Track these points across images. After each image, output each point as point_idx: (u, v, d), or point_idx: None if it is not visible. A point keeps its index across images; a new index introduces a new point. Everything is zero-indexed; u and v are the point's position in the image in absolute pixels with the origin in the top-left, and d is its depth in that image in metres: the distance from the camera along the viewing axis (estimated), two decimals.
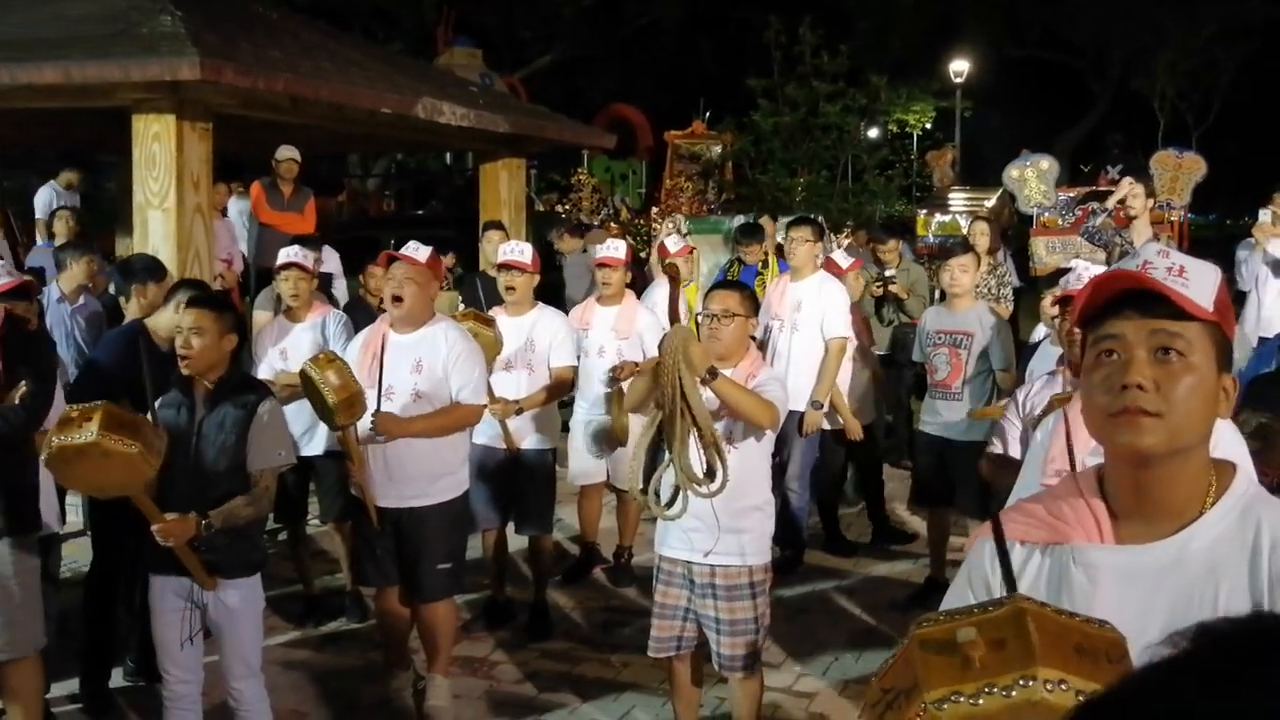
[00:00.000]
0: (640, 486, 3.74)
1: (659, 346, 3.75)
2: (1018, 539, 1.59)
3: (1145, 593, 1.44)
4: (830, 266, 6.77)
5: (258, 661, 3.92)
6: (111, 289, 6.42)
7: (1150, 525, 1.49)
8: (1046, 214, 10.99)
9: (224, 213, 8.85)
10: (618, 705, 4.77)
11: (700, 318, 4.07)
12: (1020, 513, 1.62)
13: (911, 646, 1.25)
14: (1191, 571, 1.45)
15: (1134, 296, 1.46)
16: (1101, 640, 1.22)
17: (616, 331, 6.06)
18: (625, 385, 5.87)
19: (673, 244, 7.36)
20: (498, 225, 7.59)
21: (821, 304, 6.16)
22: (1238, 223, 25.24)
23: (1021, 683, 1.16)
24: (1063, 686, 1.16)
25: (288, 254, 5.64)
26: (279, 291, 5.72)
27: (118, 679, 4.92)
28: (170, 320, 4.65)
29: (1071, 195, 12.48)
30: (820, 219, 9.29)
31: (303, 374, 4.23)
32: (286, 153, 9.22)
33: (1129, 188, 8.26)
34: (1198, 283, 1.46)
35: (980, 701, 1.16)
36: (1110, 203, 8.65)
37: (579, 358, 5.80)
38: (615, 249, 6.20)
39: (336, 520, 5.75)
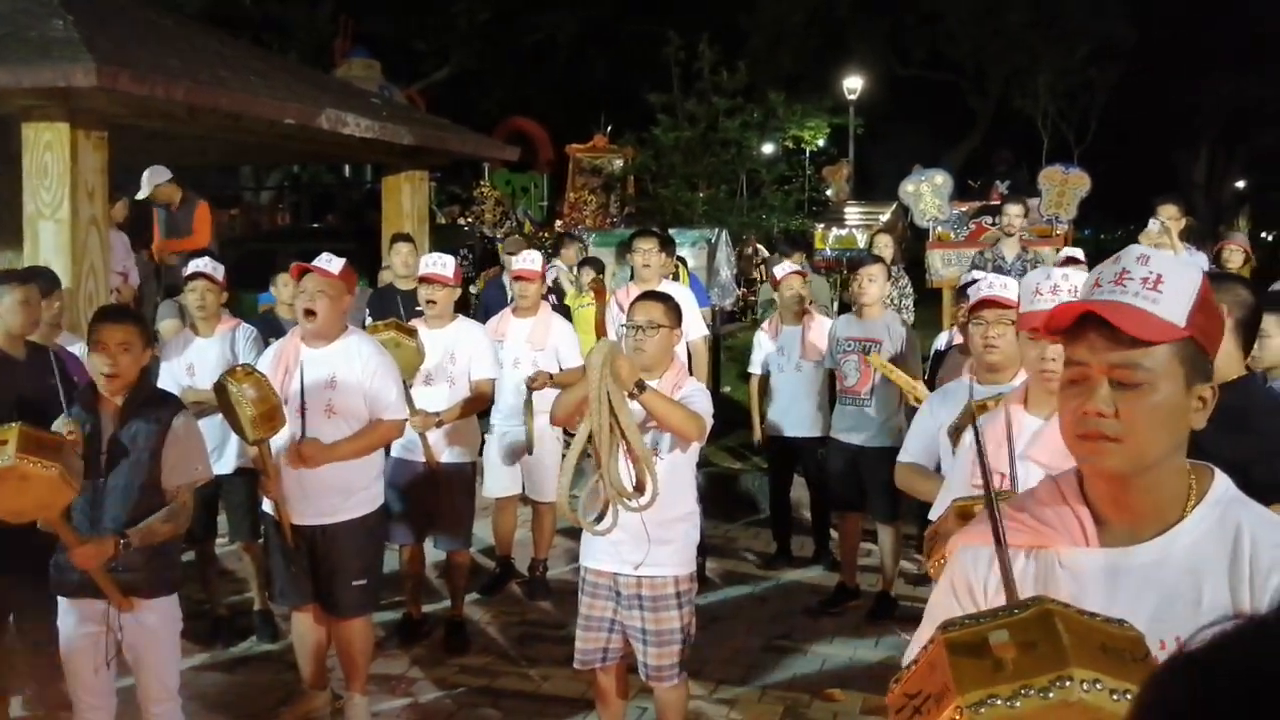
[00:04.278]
0: (571, 492, 3.74)
1: (586, 360, 3.75)
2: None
3: (1130, 594, 1.48)
4: (773, 282, 6.89)
5: (176, 683, 3.80)
6: None
7: (1133, 528, 1.53)
8: (941, 228, 11.30)
9: (120, 225, 8.52)
10: (539, 718, 4.74)
11: (624, 329, 4.08)
12: (1003, 518, 1.63)
13: (938, 650, 1.25)
14: (1174, 572, 1.49)
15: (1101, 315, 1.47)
16: (1124, 639, 1.24)
17: (531, 343, 6.05)
18: (540, 395, 5.89)
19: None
20: (406, 238, 7.49)
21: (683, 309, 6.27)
22: (1112, 237, 26.31)
23: (1058, 683, 1.17)
24: (1097, 686, 1.17)
25: (195, 264, 5.48)
26: (185, 303, 5.55)
27: (15, 709, 4.70)
28: (12, 323, 4.46)
29: (964, 210, 12.87)
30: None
31: (219, 387, 4.11)
32: (158, 179, 8.78)
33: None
34: (1173, 294, 1.48)
35: (1018, 704, 1.17)
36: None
37: None
38: (531, 261, 6.19)
39: (246, 540, 5.60)
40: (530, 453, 5.99)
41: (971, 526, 1.69)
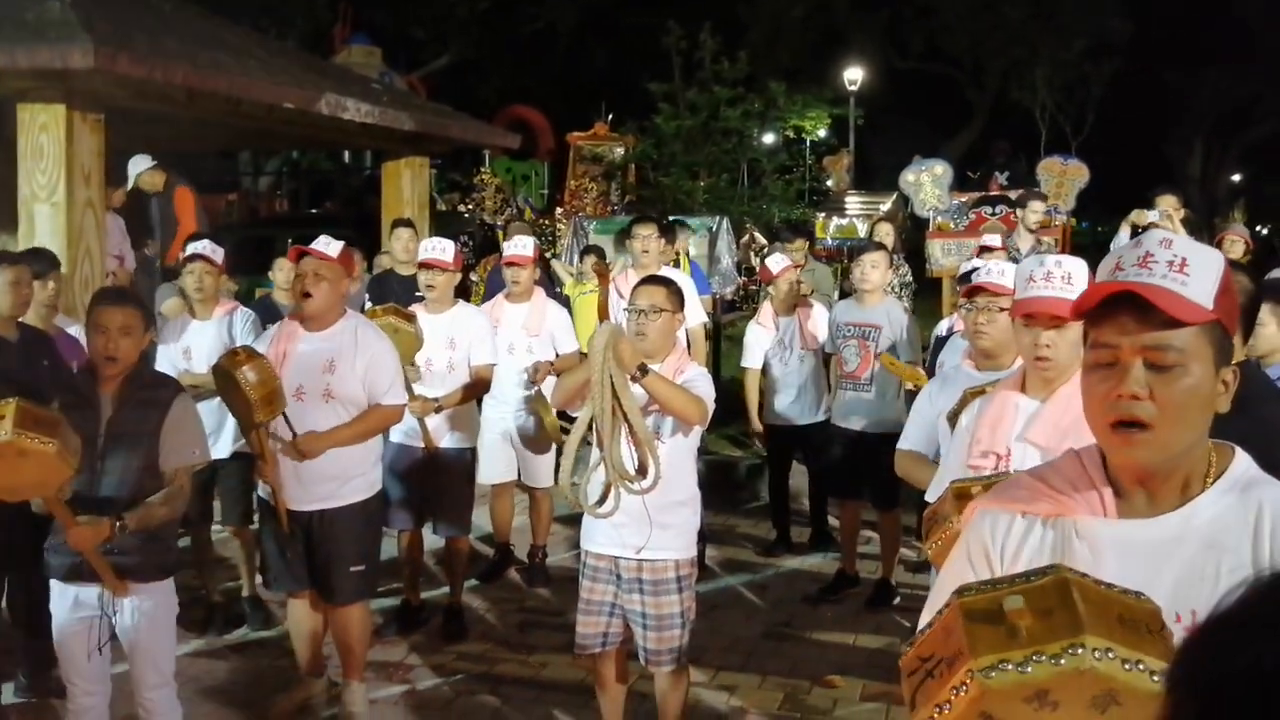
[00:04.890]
0: (572, 480, 3.72)
1: (589, 343, 3.72)
2: (1020, 510, 1.60)
3: (1148, 566, 1.47)
4: (764, 275, 6.78)
5: (171, 669, 3.77)
6: None
7: (1153, 503, 1.53)
8: (941, 217, 11.29)
9: (118, 210, 8.48)
10: (538, 705, 4.72)
11: (627, 313, 4.05)
12: (1021, 485, 1.63)
13: (953, 615, 1.24)
14: (1193, 546, 1.48)
15: (1132, 296, 1.46)
16: (1141, 611, 1.24)
17: (526, 329, 6.01)
18: (543, 386, 5.87)
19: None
20: (407, 223, 7.45)
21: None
22: (1109, 229, 26.29)
23: (1070, 650, 1.17)
24: (1110, 655, 1.16)
25: (194, 246, 5.45)
26: (183, 285, 5.52)
27: (8, 695, 4.68)
28: (1, 304, 4.42)
29: (963, 200, 12.86)
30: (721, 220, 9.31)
31: (218, 369, 4.07)
32: (139, 167, 8.82)
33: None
34: (1199, 276, 1.46)
35: (1029, 669, 1.17)
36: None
37: None
38: (523, 246, 6.14)
39: (236, 525, 5.57)
40: (560, 444, 5.93)
41: (991, 492, 1.68)
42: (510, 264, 6.09)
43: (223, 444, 5.35)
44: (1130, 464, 1.51)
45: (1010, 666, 1.17)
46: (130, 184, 8.82)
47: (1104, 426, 1.49)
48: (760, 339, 6.63)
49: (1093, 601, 1.22)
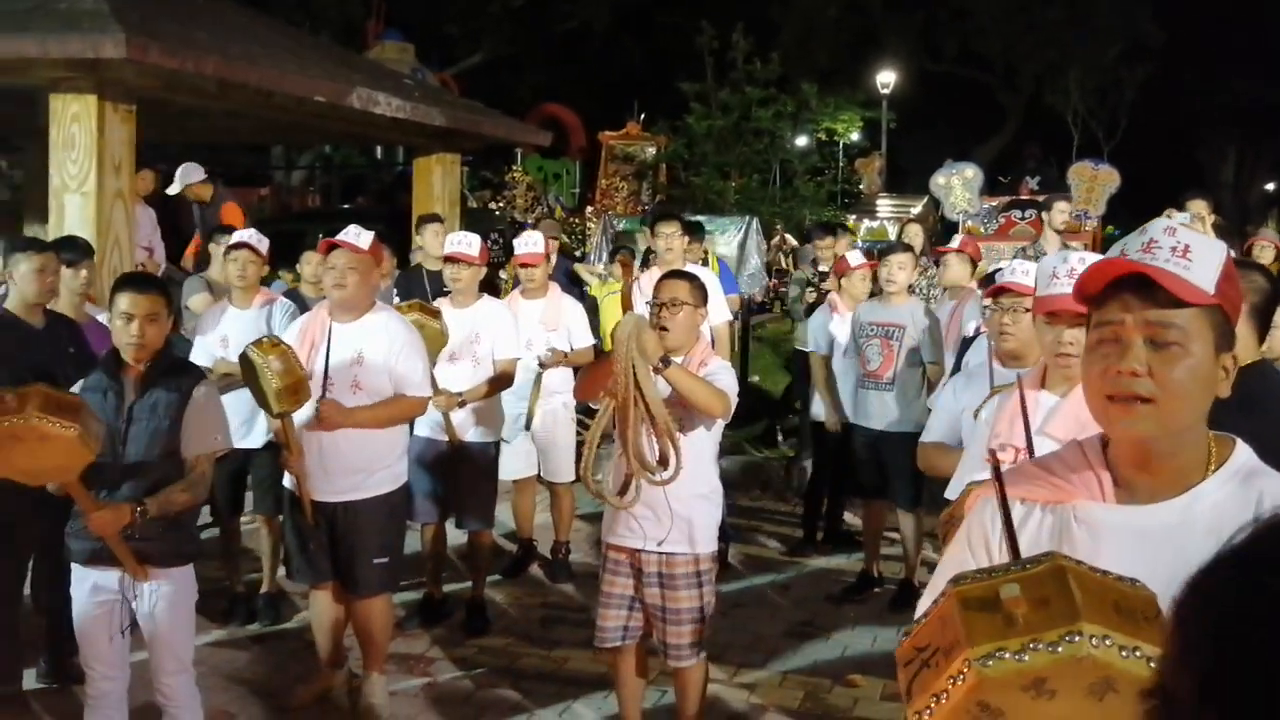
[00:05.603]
0: (595, 475, 3.70)
1: (612, 335, 3.71)
2: (1020, 496, 1.61)
3: (1147, 552, 1.47)
4: (840, 264, 6.69)
5: (189, 656, 3.77)
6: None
7: (1153, 490, 1.54)
8: (971, 221, 11.21)
9: (147, 199, 8.56)
10: (558, 699, 4.69)
11: (649, 306, 4.03)
12: (1023, 473, 1.65)
13: (949, 604, 1.23)
14: (1193, 533, 1.47)
15: (1134, 278, 1.49)
16: (1137, 599, 1.22)
17: (544, 324, 6.02)
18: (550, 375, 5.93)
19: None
20: (436, 218, 7.46)
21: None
22: None
23: (1067, 638, 1.16)
24: (1107, 642, 1.15)
25: (240, 235, 5.52)
26: (226, 274, 5.57)
27: (30, 681, 4.70)
28: (27, 290, 4.45)
29: (994, 204, 12.76)
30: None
31: (244, 357, 4.08)
32: (191, 178, 8.92)
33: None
34: (1201, 263, 1.49)
35: (1026, 657, 1.16)
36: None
37: None
38: (533, 245, 6.12)
39: (267, 514, 5.58)
40: (528, 428, 5.97)
41: (990, 482, 1.67)
42: (523, 265, 6.10)
43: (256, 433, 5.36)
44: (1130, 437, 1.51)
45: (1007, 655, 1.16)
46: (176, 188, 8.91)
47: (1103, 401, 1.50)
48: (826, 326, 6.45)
49: (1089, 589, 1.21)
